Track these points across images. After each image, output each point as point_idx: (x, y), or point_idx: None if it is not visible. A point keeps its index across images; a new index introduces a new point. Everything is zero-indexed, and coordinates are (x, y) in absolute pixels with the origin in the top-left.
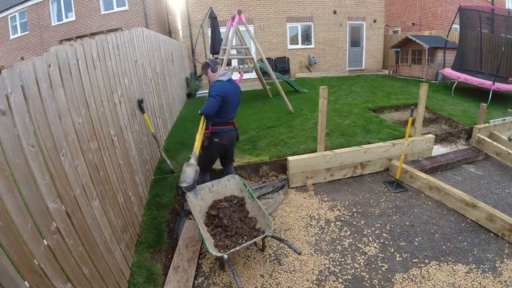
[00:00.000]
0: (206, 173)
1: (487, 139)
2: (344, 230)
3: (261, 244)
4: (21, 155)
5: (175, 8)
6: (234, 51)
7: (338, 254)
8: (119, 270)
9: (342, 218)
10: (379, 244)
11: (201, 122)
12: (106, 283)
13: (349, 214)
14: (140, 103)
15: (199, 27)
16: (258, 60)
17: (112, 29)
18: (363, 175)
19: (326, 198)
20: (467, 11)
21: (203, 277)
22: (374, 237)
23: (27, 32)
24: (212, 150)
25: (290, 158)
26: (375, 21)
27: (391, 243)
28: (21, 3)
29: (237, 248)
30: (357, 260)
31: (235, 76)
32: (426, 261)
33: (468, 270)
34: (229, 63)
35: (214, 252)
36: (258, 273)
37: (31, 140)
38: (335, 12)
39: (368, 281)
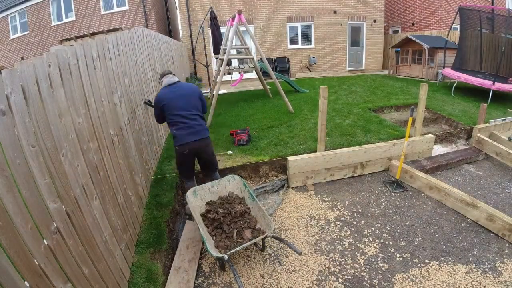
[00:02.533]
0: (188, 179)
1: (487, 139)
2: (344, 230)
3: (261, 244)
4: (21, 155)
5: (175, 8)
6: (234, 51)
7: (338, 254)
8: (119, 270)
9: (342, 218)
10: (379, 244)
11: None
12: (106, 283)
13: (349, 214)
14: (150, 103)
15: (199, 27)
16: (258, 60)
17: (112, 29)
18: (363, 175)
19: (326, 198)
20: (467, 11)
21: (203, 277)
22: (374, 237)
23: (27, 32)
24: (177, 156)
25: (290, 158)
26: (375, 21)
27: (391, 243)
28: (21, 3)
29: (237, 248)
30: (357, 260)
31: (235, 76)
32: (426, 261)
33: (468, 270)
34: (229, 63)
35: (215, 253)
36: (258, 273)
37: (31, 140)
38: (335, 12)
39: (368, 281)
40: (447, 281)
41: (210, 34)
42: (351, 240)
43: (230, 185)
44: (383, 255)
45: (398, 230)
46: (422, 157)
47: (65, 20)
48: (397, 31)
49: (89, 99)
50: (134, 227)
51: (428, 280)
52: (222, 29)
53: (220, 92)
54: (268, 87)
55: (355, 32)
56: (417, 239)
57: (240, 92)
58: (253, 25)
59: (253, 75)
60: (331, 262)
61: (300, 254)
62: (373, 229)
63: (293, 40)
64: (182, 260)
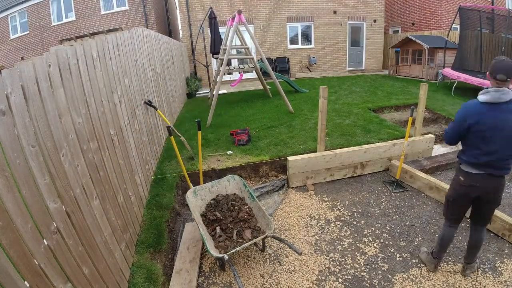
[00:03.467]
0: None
1: None
2: (344, 230)
3: (261, 244)
4: (21, 155)
5: (175, 8)
6: (234, 51)
7: (338, 254)
8: (119, 270)
9: (342, 218)
10: (379, 244)
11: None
12: (106, 283)
13: (349, 214)
14: (150, 103)
15: (199, 27)
16: (258, 60)
17: (112, 29)
18: (363, 175)
19: (326, 198)
20: (467, 11)
21: (203, 277)
22: (374, 237)
23: (27, 32)
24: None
25: (290, 158)
26: (375, 21)
27: (391, 243)
28: (21, 3)
29: (238, 248)
30: (357, 260)
31: (235, 76)
32: None
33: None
34: (229, 63)
35: (215, 253)
36: (258, 273)
37: (31, 140)
38: (335, 12)
39: (368, 281)
40: (447, 281)
41: (210, 34)
42: (351, 240)
43: (230, 185)
44: (383, 255)
45: (398, 230)
46: (422, 157)
47: (65, 20)
48: (397, 31)
49: (89, 99)
50: (134, 227)
51: (428, 280)
52: (222, 29)
53: (220, 92)
54: (268, 87)
55: (355, 32)
56: (417, 239)
57: (240, 92)
58: (253, 25)
59: (253, 75)
60: (331, 262)
61: (300, 254)
62: (373, 229)
63: (293, 40)
64: (183, 262)
